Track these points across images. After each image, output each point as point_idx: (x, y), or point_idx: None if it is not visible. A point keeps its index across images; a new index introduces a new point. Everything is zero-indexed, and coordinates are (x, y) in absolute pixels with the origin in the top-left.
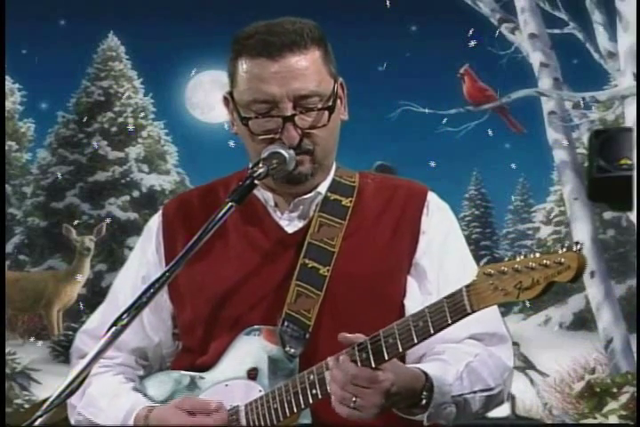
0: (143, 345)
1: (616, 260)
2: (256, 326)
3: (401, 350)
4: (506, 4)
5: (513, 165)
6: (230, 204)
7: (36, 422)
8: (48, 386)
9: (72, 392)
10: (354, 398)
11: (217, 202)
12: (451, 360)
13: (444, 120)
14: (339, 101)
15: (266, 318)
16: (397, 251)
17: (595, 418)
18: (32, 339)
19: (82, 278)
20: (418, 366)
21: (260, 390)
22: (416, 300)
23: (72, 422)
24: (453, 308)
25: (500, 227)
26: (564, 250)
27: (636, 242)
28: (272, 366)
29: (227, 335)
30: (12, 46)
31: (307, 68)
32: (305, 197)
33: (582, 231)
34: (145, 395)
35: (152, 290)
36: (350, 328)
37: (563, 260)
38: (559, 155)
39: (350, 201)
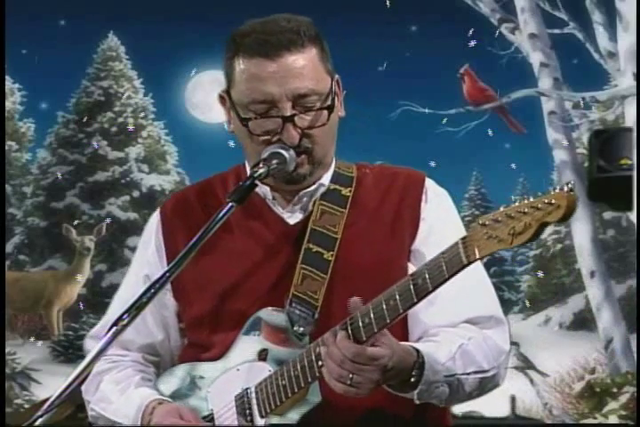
0: (149, 342)
1: (616, 260)
2: (256, 324)
3: (402, 310)
4: (506, 4)
5: (513, 165)
6: (231, 204)
7: (36, 423)
8: (48, 386)
9: (72, 392)
10: (351, 375)
11: (215, 198)
12: (444, 341)
13: (444, 120)
14: (337, 99)
15: (273, 305)
16: (398, 238)
17: (595, 418)
18: (32, 339)
19: (82, 278)
20: (410, 343)
21: (270, 370)
22: None
23: (89, 417)
24: (450, 261)
25: None
26: (555, 191)
27: (636, 242)
28: (283, 346)
29: (235, 328)
30: (12, 46)
31: (304, 67)
32: (308, 189)
33: (582, 231)
34: (155, 388)
35: (152, 290)
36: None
37: (553, 200)
38: (559, 155)
39: (350, 191)
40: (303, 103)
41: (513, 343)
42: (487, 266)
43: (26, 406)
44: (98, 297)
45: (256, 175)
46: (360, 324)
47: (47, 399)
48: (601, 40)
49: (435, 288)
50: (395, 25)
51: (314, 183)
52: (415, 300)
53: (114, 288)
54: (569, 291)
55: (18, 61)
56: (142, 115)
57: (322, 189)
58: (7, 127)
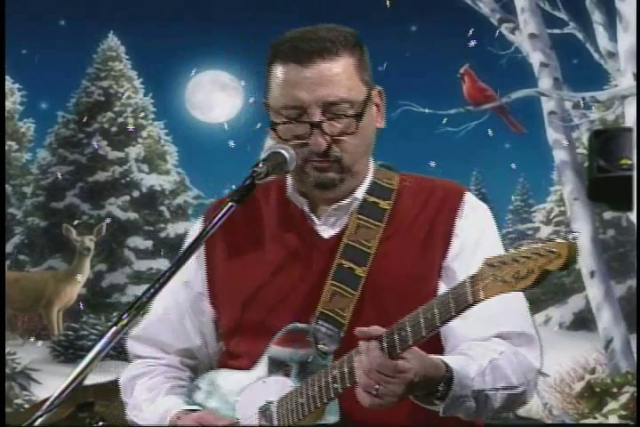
0: (187, 346)
1: (616, 260)
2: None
3: (411, 343)
4: (506, 4)
5: (513, 165)
6: (231, 204)
7: (36, 423)
8: (48, 386)
9: (72, 392)
10: (377, 386)
11: (256, 206)
12: (475, 356)
13: (444, 120)
14: (374, 109)
15: (301, 320)
16: (430, 253)
17: (595, 418)
18: (32, 339)
19: (82, 278)
20: (441, 357)
21: (291, 386)
22: None
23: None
24: (457, 299)
25: (500, 227)
26: (558, 239)
27: (636, 242)
28: (307, 364)
29: (264, 339)
30: (12, 46)
31: (337, 75)
32: (341, 203)
33: (582, 231)
34: (184, 396)
35: (152, 290)
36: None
37: (554, 249)
38: (559, 155)
39: (388, 204)
40: (333, 110)
41: None
42: None
43: (26, 406)
44: (98, 297)
45: (255, 175)
46: (395, 339)
47: (47, 399)
48: (601, 40)
49: (443, 323)
50: (395, 25)
51: (348, 196)
52: (423, 333)
53: (114, 288)
54: (569, 291)
55: (18, 61)
56: (142, 115)
57: (356, 204)
58: (7, 127)
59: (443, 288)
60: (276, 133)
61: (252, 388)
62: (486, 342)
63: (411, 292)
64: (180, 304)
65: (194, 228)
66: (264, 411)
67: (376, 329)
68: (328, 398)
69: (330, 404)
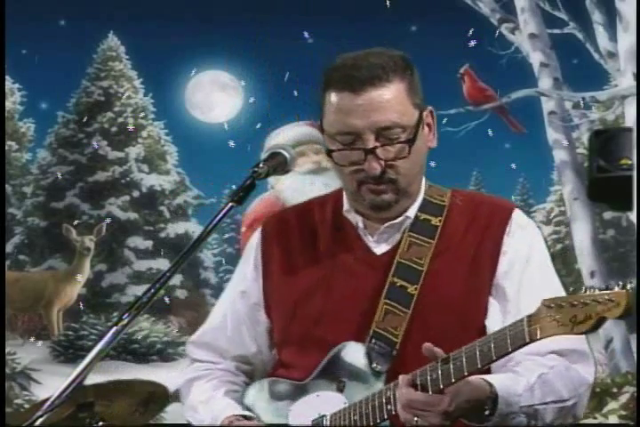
0: (243, 353)
1: (616, 260)
2: (337, 356)
3: (466, 373)
4: (506, 4)
5: (513, 165)
6: (231, 204)
7: (36, 423)
8: (48, 386)
9: (72, 392)
10: (415, 419)
11: (312, 220)
12: (523, 372)
13: (444, 120)
14: (426, 130)
15: (355, 337)
16: (479, 271)
17: (595, 418)
18: (32, 339)
19: (82, 278)
20: (485, 377)
21: (345, 403)
22: (497, 321)
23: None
24: (514, 336)
25: None
26: (618, 288)
27: (636, 242)
28: (360, 382)
29: (317, 354)
30: (12, 46)
31: (388, 101)
32: (394, 221)
33: (582, 231)
34: (238, 401)
35: (153, 290)
36: (436, 346)
37: (614, 298)
38: (559, 155)
39: (440, 220)
40: (387, 135)
41: None
42: None
43: (26, 406)
44: (98, 297)
45: (255, 175)
46: (428, 377)
47: (47, 399)
48: (601, 40)
49: (498, 358)
50: (395, 25)
51: (401, 215)
52: (479, 366)
53: (114, 288)
54: (569, 291)
55: (18, 61)
56: (142, 115)
57: (408, 222)
58: (7, 127)
59: (494, 306)
60: (332, 159)
61: (306, 400)
62: (540, 357)
63: (461, 310)
64: (238, 313)
65: (252, 239)
66: (317, 424)
67: (439, 351)
68: (381, 418)
69: (382, 424)
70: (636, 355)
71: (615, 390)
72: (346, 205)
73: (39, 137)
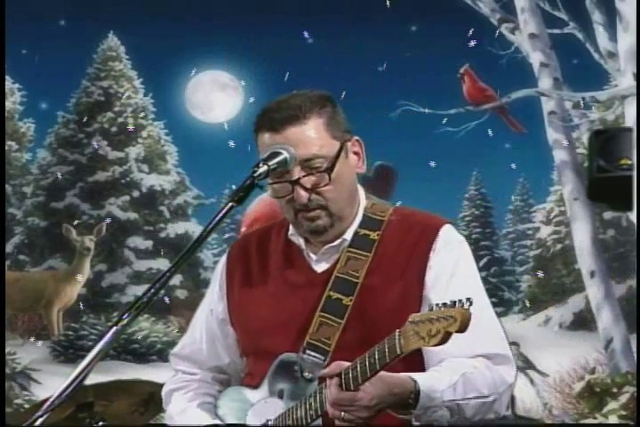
0: (218, 364)
1: (616, 260)
2: (279, 365)
3: (360, 381)
4: (506, 4)
5: (513, 165)
6: (231, 204)
7: (36, 423)
8: (48, 386)
9: (72, 392)
10: (342, 414)
11: (268, 243)
12: (447, 371)
13: (444, 120)
14: (353, 158)
15: (292, 348)
16: (408, 288)
17: (595, 418)
18: (32, 339)
19: (82, 278)
20: (411, 374)
21: (283, 408)
22: None
23: None
24: (390, 348)
25: (500, 227)
26: (456, 306)
27: (636, 242)
28: (295, 389)
29: (267, 363)
30: (12, 46)
31: (308, 136)
32: (332, 244)
33: (582, 231)
34: (211, 411)
35: (152, 290)
36: None
37: (452, 314)
38: (559, 155)
39: (377, 235)
40: (309, 166)
41: (513, 343)
42: (487, 266)
43: (26, 406)
44: (98, 297)
45: (255, 175)
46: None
47: (47, 399)
48: (601, 40)
49: (382, 368)
50: (395, 25)
51: (338, 237)
52: (368, 374)
53: (114, 288)
54: (569, 291)
55: (18, 61)
56: (142, 115)
57: (345, 244)
58: (7, 127)
59: None
60: (271, 192)
61: (257, 406)
62: (467, 359)
63: (392, 320)
64: (210, 328)
65: (220, 261)
66: None
67: (339, 365)
68: (311, 419)
69: (314, 423)
70: (635, 355)
71: (615, 390)
72: (291, 230)
73: (39, 137)
